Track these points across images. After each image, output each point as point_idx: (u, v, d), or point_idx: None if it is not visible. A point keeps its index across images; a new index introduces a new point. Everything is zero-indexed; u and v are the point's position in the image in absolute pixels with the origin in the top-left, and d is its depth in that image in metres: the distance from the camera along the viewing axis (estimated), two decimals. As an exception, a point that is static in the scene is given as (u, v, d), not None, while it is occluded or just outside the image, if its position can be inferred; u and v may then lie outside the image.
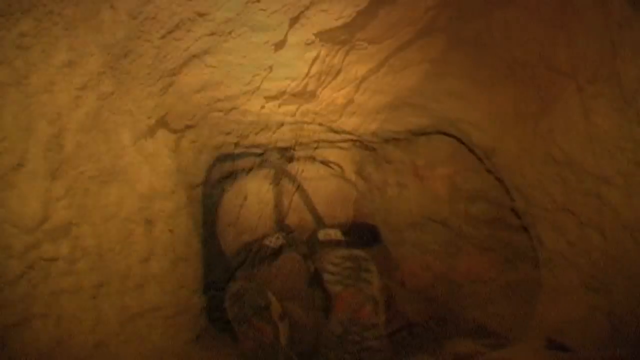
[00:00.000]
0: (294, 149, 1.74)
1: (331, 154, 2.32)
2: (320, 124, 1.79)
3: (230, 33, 1.19)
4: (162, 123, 1.26)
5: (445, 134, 1.95)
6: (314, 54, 1.42)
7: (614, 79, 1.44)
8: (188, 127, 1.32)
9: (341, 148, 2.26)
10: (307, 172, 2.21)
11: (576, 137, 1.57)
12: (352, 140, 2.13)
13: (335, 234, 2.48)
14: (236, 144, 1.47)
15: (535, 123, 1.68)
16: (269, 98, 1.42)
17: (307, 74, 1.45)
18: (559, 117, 1.59)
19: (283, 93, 1.43)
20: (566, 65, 1.67)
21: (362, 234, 2.39)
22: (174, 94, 1.21)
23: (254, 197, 2.12)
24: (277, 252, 2.35)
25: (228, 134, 1.38)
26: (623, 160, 1.40)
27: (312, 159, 2.26)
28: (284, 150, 2.03)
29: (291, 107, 1.54)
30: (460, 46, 1.59)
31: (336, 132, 1.92)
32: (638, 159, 1.36)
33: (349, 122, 1.84)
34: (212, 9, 1.13)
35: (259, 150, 1.97)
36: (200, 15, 1.12)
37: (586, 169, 1.50)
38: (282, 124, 1.51)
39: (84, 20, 1.01)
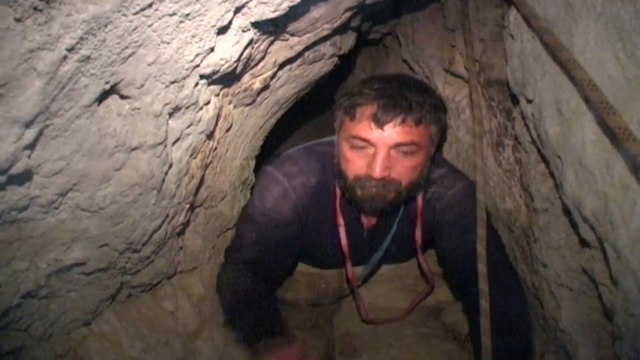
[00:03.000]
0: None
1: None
2: (235, 106, 1.94)
3: (187, 15, 1.30)
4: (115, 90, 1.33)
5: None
6: (246, 40, 1.56)
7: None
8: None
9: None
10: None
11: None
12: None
13: None
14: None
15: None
16: (202, 76, 1.53)
17: (238, 58, 1.58)
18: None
19: (215, 73, 1.55)
20: (461, 68, 2.10)
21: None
22: (131, 63, 1.27)
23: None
24: None
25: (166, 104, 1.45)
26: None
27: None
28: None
29: (216, 87, 1.67)
30: (367, 46, 1.85)
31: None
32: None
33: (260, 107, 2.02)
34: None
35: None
36: None
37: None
38: (208, 102, 1.60)
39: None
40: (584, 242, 1.62)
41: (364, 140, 2.02)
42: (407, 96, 2.01)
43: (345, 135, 2.09)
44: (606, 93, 1.32)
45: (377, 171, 1.99)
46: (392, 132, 1.98)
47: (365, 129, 2.00)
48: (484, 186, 2.21)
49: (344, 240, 2.38)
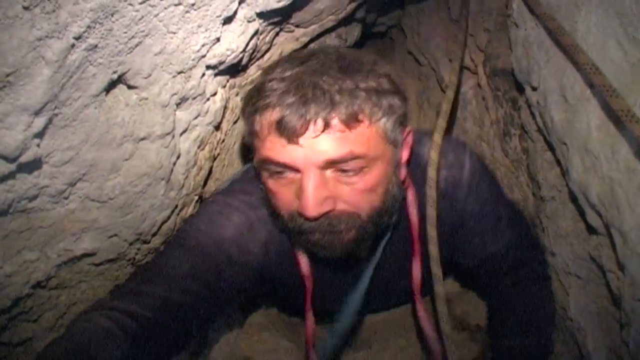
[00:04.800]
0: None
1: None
2: (242, 99, 1.94)
3: (193, 5, 1.32)
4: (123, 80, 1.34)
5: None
6: (252, 31, 1.57)
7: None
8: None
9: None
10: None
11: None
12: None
13: None
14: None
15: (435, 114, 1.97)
16: (209, 67, 1.54)
17: (244, 49, 1.59)
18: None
19: (222, 63, 1.56)
20: (466, 59, 2.03)
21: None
22: (138, 53, 1.29)
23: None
24: None
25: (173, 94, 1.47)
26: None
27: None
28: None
29: (223, 79, 1.68)
30: (372, 39, 1.82)
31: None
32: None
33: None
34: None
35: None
36: None
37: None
38: (215, 93, 1.61)
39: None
40: (591, 229, 1.61)
41: (278, 164, 1.40)
42: (326, 82, 1.35)
43: (257, 158, 1.48)
44: (609, 77, 1.31)
45: (309, 208, 1.36)
46: (314, 145, 1.34)
47: (274, 146, 1.37)
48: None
49: (308, 294, 1.74)
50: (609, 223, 1.45)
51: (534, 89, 1.78)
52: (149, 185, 1.52)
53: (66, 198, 1.34)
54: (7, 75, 0.98)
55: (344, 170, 1.38)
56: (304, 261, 1.69)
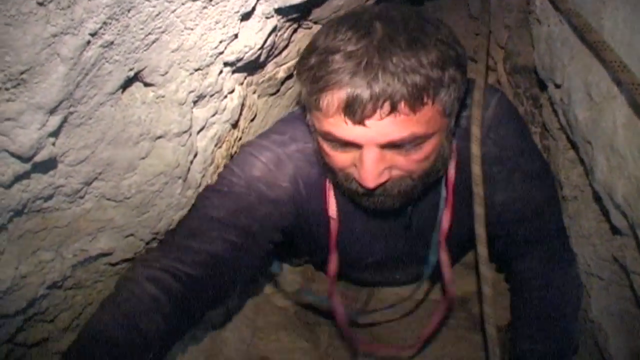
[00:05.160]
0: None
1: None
2: (259, 96, 1.93)
3: (210, 1, 1.30)
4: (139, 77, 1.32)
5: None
6: (270, 27, 1.55)
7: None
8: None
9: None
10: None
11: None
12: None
13: None
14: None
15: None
16: (227, 64, 1.52)
17: (262, 46, 1.57)
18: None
19: (239, 60, 1.54)
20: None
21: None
22: (154, 49, 1.27)
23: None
24: None
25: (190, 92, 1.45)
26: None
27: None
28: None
29: (240, 76, 1.66)
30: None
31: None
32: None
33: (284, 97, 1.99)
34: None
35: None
36: None
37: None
38: (232, 90, 1.59)
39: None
40: (615, 230, 1.58)
41: (340, 140, 1.44)
42: (394, 63, 1.32)
43: (316, 126, 1.50)
44: (637, 74, 1.28)
45: (369, 181, 1.42)
46: (379, 127, 1.36)
47: (339, 124, 1.39)
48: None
49: (332, 243, 1.82)
50: (634, 224, 1.42)
51: (557, 86, 1.75)
52: (166, 184, 1.50)
53: (82, 197, 1.33)
54: (22, 73, 0.95)
55: (403, 148, 1.42)
56: (332, 202, 1.75)
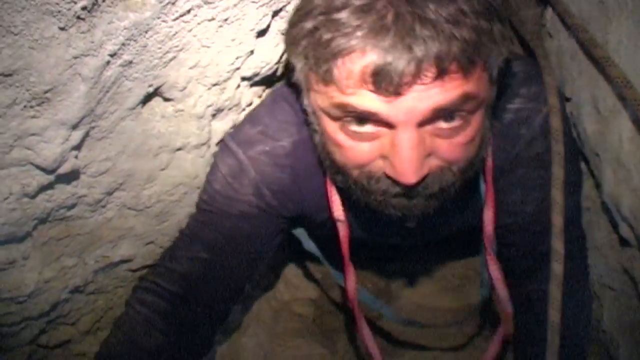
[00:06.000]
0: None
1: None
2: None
3: (226, 20, 1.35)
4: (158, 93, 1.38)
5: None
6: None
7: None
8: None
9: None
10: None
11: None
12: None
13: None
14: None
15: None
16: (244, 78, 1.57)
17: (278, 61, 1.62)
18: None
19: (256, 75, 1.59)
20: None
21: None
22: (172, 67, 1.33)
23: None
24: None
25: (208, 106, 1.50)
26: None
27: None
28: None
29: (258, 89, 1.72)
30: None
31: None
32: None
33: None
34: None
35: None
36: (206, 3, 1.26)
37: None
38: (250, 103, 1.64)
39: None
40: (623, 241, 1.58)
41: (366, 114, 1.06)
42: (431, 9, 0.97)
43: (324, 105, 1.13)
44: (639, 91, 1.30)
45: (409, 175, 1.06)
46: (422, 97, 1.00)
47: (364, 96, 1.03)
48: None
49: (344, 244, 1.50)
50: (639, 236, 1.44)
51: (568, 99, 1.77)
52: (185, 194, 1.57)
53: (104, 207, 1.40)
54: (45, 92, 1.02)
55: (445, 124, 1.08)
56: (336, 202, 1.45)
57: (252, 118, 1.54)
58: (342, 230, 1.47)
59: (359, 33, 0.98)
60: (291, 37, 1.15)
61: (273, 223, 1.52)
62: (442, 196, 1.20)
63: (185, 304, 1.47)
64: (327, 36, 1.02)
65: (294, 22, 1.14)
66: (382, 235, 1.64)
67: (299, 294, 2.53)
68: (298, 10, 1.13)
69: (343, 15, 0.99)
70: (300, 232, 1.66)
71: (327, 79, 1.06)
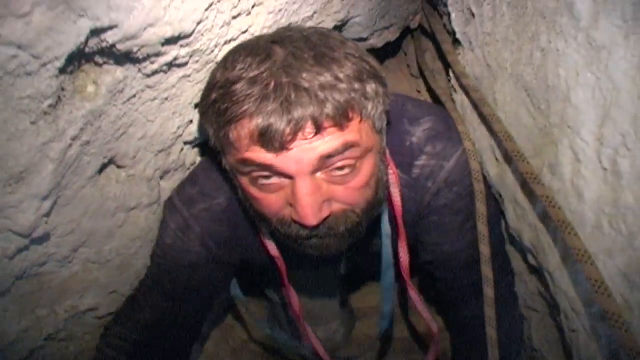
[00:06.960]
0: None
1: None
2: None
3: (166, 98, 1.52)
4: (112, 162, 1.57)
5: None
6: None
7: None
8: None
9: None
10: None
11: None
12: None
13: None
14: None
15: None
16: (186, 142, 1.76)
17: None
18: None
19: (197, 139, 1.79)
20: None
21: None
22: (124, 140, 1.50)
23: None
24: None
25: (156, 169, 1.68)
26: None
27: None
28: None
29: (200, 149, 1.91)
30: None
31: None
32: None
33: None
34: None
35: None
36: (149, 87, 1.44)
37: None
38: (194, 162, 1.83)
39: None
40: (532, 269, 1.72)
41: (264, 167, 1.23)
42: (306, 79, 1.16)
43: (233, 162, 1.31)
44: (524, 141, 1.46)
45: (309, 218, 1.23)
46: (306, 149, 1.19)
47: (258, 152, 1.21)
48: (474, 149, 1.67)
49: (283, 274, 1.68)
50: (540, 264, 1.57)
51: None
52: (141, 247, 1.73)
53: (70, 262, 1.54)
54: (21, 172, 1.19)
55: (337, 168, 1.24)
56: (271, 244, 1.61)
57: (191, 178, 1.73)
58: (281, 265, 1.64)
59: (248, 101, 1.17)
60: (202, 108, 1.35)
61: (222, 270, 1.73)
62: (352, 234, 1.37)
63: (148, 346, 1.68)
64: (223, 106, 1.22)
65: (203, 96, 1.34)
66: (314, 266, 1.88)
67: (255, 332, 2.61)
68: (207, 84, 1.34)
69: (237, 86, 1.19)
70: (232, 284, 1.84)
71: (228, 142, 1.25)
